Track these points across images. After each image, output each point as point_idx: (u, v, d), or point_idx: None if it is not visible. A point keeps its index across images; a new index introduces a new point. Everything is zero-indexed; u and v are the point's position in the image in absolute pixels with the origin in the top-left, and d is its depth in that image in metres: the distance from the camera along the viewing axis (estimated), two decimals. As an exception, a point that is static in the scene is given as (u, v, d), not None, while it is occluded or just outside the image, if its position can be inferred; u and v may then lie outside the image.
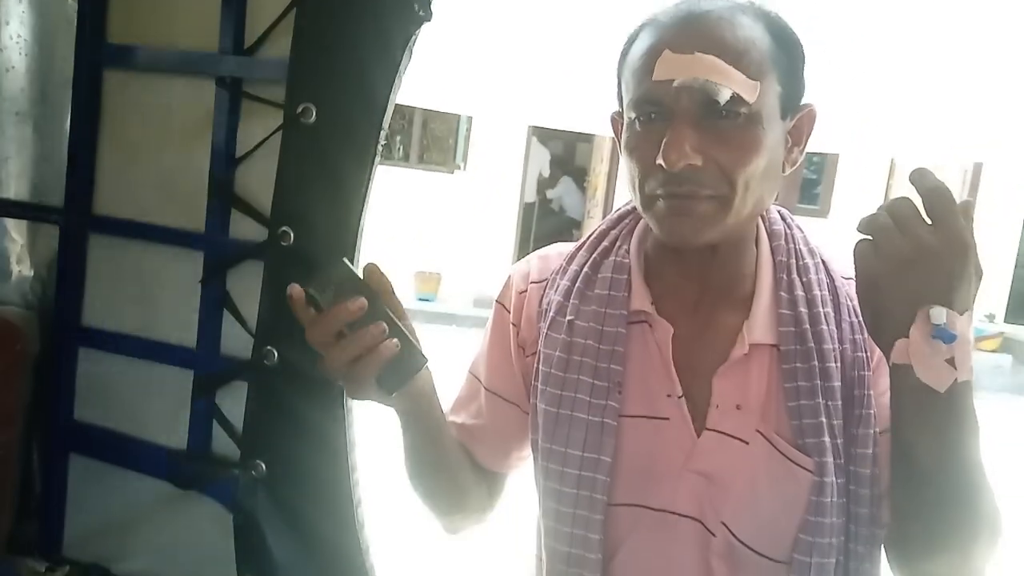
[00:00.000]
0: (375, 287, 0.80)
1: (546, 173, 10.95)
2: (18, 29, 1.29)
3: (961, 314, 0.71)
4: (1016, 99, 1.81)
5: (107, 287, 1.27)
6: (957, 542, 0.79)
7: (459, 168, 9.58)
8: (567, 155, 11.34)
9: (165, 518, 1.27)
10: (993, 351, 8.71)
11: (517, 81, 2.07)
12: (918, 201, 0.73)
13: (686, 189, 0.80)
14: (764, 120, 0.80)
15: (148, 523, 1.29)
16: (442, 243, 9.20)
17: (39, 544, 1.32)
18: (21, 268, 1.31)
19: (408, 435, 0.94)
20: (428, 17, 1.05)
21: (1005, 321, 8.98)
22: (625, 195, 0.93)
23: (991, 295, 8.95)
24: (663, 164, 0.79)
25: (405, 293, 8.77)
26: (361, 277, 0.80)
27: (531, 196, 10.53)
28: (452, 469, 1.00)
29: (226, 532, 1.21)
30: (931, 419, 0.74)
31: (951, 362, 0.71)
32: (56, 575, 1.29)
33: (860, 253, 0.75)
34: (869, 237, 0.74)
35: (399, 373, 0.80)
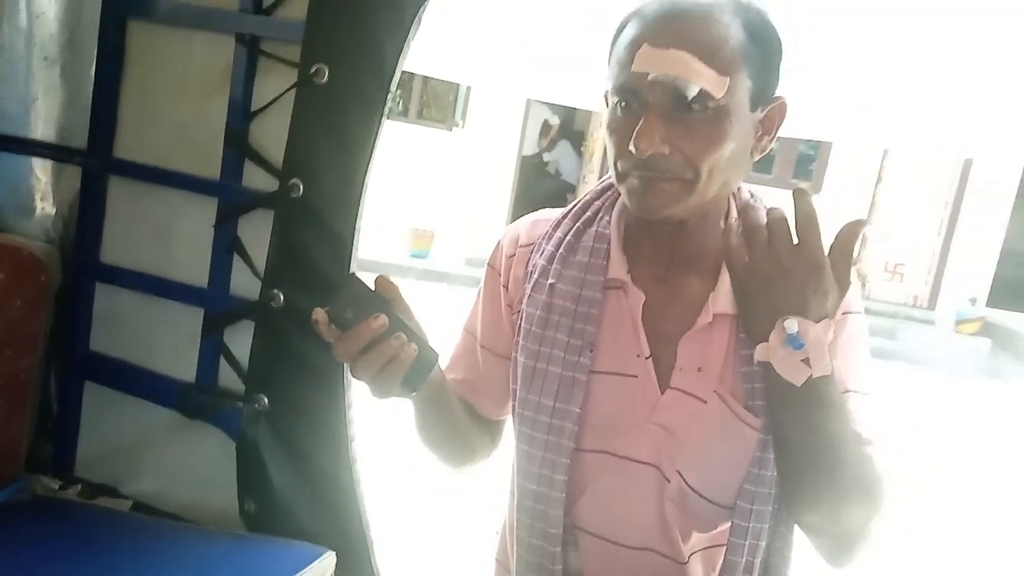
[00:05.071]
0: (386, 296, 0.88)
1: (545, 135, 10.92)
2: (49, -23, 1.35)
3: (817, 322, 0.82)
4: (1006, 95, 1.86)
5: (125, 227, 1.35)
6: (825, 501, 0.91)
7: (458, 126, 9.56)
8: (566, 119, 11.30)
9: (172, 444, 1.36)
10: (973, 334, 8.86)
11: (515, 55, 2.12)
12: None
13: (654, 173, 0.89)
14: (732, 113, 0.88)
15: (156, 448, 1.38)
16: (437, 201, 9.22)
17: (53, 463, 1.41)
18: (45, 205, 1.38)
19: (420, 413, 1.04)
20: (438, -11, 1.13)
21: (987, 306, 9.13)
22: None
23: (976, 281, 9.09)
24: (633, 150, 0.87)
25: (399, 249, 8.85)
26: (372, 288, 0.87)
27: (529, 155, 10.52)
28: (460, 430, 1.09)
29: (229, 459, 1.30)
30: (791, 404, 0.86)
31: (806, 362, 0.83)
32: (68, 492, 1.37)
33: (735, 265, 0.86)
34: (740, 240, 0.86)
35: (418, 373, 0.87)
